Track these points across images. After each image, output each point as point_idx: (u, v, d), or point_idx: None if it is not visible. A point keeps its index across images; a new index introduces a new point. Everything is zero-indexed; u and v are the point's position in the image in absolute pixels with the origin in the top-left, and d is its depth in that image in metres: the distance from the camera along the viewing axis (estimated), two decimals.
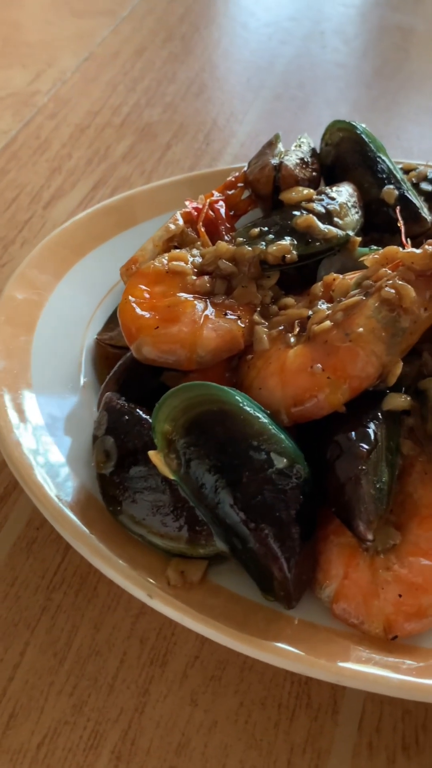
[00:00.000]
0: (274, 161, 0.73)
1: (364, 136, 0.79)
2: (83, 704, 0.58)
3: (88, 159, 1.02)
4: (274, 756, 0.56)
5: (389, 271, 0.61)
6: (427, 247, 0.61)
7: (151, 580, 0.55)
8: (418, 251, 0.61)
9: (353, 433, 0.57)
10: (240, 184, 0.77)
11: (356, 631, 0.55)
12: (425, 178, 0.81)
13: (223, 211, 0.74)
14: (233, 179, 0.77)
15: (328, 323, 0.60)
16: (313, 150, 0.81)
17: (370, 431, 0.57)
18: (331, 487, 0.56)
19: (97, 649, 0.61)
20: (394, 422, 0.59)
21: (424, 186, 0.80)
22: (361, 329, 0.58)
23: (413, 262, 0.60)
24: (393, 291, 0.59)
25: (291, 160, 0.73)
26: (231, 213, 0.76)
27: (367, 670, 0.52)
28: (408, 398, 0.60)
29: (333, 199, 0.71)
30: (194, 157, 1.04)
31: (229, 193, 0.76)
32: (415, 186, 0.80)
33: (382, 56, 1.30)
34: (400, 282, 0.59)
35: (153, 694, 0.59)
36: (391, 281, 0.59)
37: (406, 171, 0.82)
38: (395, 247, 0.62)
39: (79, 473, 0.62)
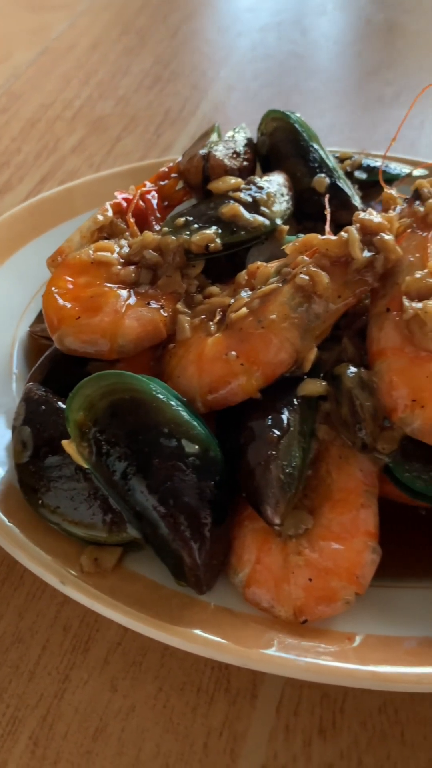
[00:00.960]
0: (203, 151, 0.73)
1: (297, 126, 0.79)
2: (3, 691, 0.58)
3: (37, 153, 1.02)
4: (191, 739, 0.57)
5: (306, 259, 0.61)
6: (342, 234, 0.61)
7: (66, 568, 0.56)
8: (333, 238, 0.61)
9: (266, 418, 0.58)
10: (174, 175, 0.77)
11: (268, 616, 0.56)
12: (360, 167, 0.81)
13: (155, 201, 0.75)
14: (166, 170, 0.77)
15: (244, 310, 0.61)
16: (249, 140, 0.81)
17: (283, 417, 0.58)
18: (243, 472, 0.57)
19: (20, 637, 0.61)
20: (309, 407, 0.59)
21: (358, 174, 0.80)
22: (273, 316, 0.59)
23: (328, 249, 0.61)
24: (307, 278, 0.59)
25: (220, 150, 0.73)
26: (165, 204, 0.77)
27: (275, 653, 0.52)
28: (324, 384, 0.60)
29: (261, 188, 0.72)
30: (144, 149, 1.04)
31: (162, 183, 0.76)
32: (350, 174, 0.81)
33: (340, 47, 1.30)
34: (314, 269, 0.60)
35: (73, 680, 0.59)
36: (305, 268, 0.60)
37: (342, 160, 0.83)
38: (314, 234, 0.63)
39: (3, 464, 0.63)
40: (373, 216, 0.62)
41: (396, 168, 0.82)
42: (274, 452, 0.56)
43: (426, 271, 0.60)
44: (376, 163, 0.84)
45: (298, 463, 0.56)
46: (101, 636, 0.61)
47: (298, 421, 0.58)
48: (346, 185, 0.76)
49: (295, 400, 0.59)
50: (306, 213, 0.77)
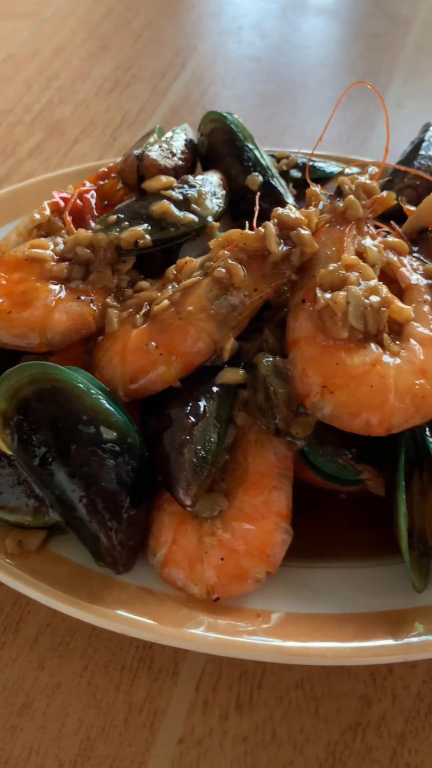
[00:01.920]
0: (137, 152, 0.75)
1: (233, 126, 0.81)
2: None
3: None
4: (112, 714, 0.59)
5: (226, 253, 0.64)
6: (260, 229, 0.64)
7: None
8: (251, 233, 0.64)
9: (183, 406, 0.60)
10: (114, 175, 0.80)
11: (183, 595, 0.58)
12: (295, 166, 0.84)
13: (93, 201, 0.77)
14: (106, 170, 0.79)
15: (165, 303, 0.63)
16: (189, 141, 0.84)
17: (200, 404, 0.60)
18: (159, 457, 0.59)
19: None
20: (228, 395, 0.62)
21: (294, 173, 0.83)
22: (191, 307, 0.61)
23: (245, 244, 0.63)
24: (224, 271, 0.62)
25: (154, 150, 0.76)
26: (105, 203, 0.79)
27: (185, 630, 0.55)
28: (243, 372, 0.62)
29: (193, 187, 0.74)
30: (101, 152, 1.07)
31: (102, 183, 0.79)
32: (285, 173, 0.83)
33: (299, 50, 1.33)
34: (231, 262, 0.62)
35: (3, 659, 0.61)
36: (223, 262, 0.62)
37: (279, 159, 0.85)
38: (236, 230, 0.65)
39: None
40: (291, 212, 0.65)
41: (329, 166, 0.84)
42: (188, 437, 0.58)
43: (339, 263, 0.63)
44: (317, 162, 0.87)
45: (213, 448, 0.59)
46: (32, 617, 0.64)
47: (215, 408, 0.61)
48: (279, 183, 0.79)
49: (214, 388, 0.62)
50: (241, 210, 0.79)
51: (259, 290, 0.63)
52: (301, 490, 0.64)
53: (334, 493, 0.67)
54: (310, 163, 0.86)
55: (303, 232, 0.64)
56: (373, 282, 0.62)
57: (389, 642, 0.54)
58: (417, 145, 0.87)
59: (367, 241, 0.67)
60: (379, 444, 0.62)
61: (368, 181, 0.70)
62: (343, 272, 0.62)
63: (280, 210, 0.65)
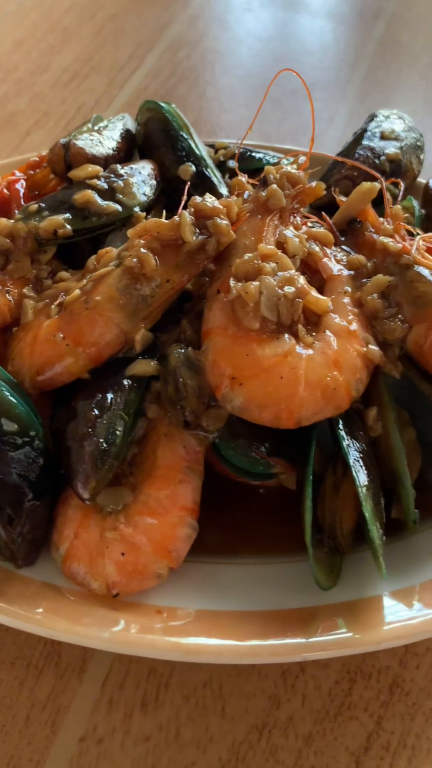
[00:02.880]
0: (64, 140, 0.74)
1: (168, 116, 0.80)
2: None
3: None
4: (14, 711, 0.58)
5: (141, 242, 0.63)
6: (175, 218, 0.63)
7: None
8: (166, 221, 0.62)
9: (89, 398, 0.59)
10: (45, 164, 0.78)
11: (83, 590, 0.57)
12: (233, 156, 0.82)
13: (22, 190, 0.76)
14: (37, 159, 0.78)
15: (77, 293, 0.62)
16: (127, 130, 0.82)
17: (107, 396, 0.59)
18: (62, 450, 0.58)
19: None
20: (139, 387, 0.60)
21: (232, 164, 0.81)
22: (98, 297, 0.60)
23: (159, 232, 0.62)
24: (136, 260, 0.61)
25: (82, 139, 0.75)
26: (36, 193, 0.78)
27: (80, 626, 0.53)
28: (155, 364, 0.61)
29: (120, 176, 0.73)
30: (52, 144, 1.05)
31: (32, 173, 0.78)
32: (222, 164, 0.82)
33: (261, 43, 1.31)
34: (143, 251, 0.61)
35: None
36: (135, 250, 0.61)
37: (218, 150, 0.84)
38: (153, 219, 0.64)
39: None
40: (209, 200, 0.64)
41: (267, 156, 0.83)
42: (90, 430, 0.57)
43: (255, 253, 0.62)
44: (256, 153, 0.85)
45: (117, 441, 0.57)
46: None
47: (123, 400, 0.59)
48: (213, 174, 0.77)
49: (124, 380, 0.61)
50: (176, 201, 0.77)
51: (172, 280, 0.61)
52: (219, 483, 0.64)
53: (252, 487, 0.66)
54: (250, 153, 0.85)
55: (220, 221, 0.63)
56: (290, 272, 0.61)
57: (288, 641, 0.53)
58: (359, 136, 0.85)
59: (289, 231, 0.66)
60: (294, 437, 0.60)
61: (294, 171, 0.68)
62: (259, 262, 0.61)
63: (197, 198, 0.64)
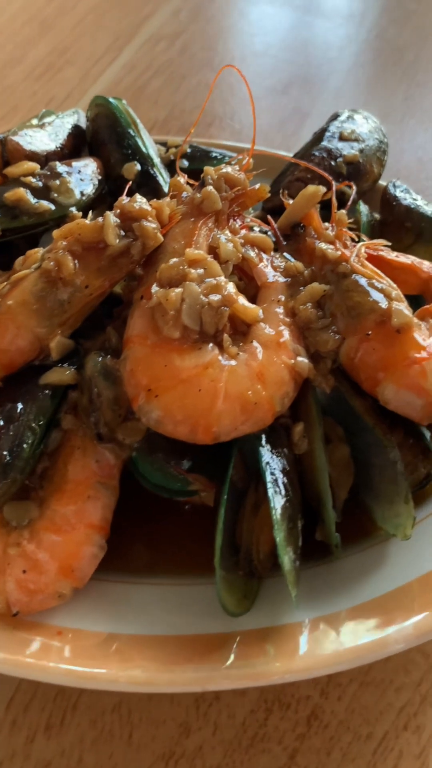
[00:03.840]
0: (1, 136, 0.72)
1: (116, 112, 0.77)
2: None
3: None
4: None
5: (64, 243, 0.60)
6: (99, 219, 0.60)
7: None
8: (89, 222, 0.59)
9: None
10: None
11: None
12: (184, 155, 0.79)
13: None
14: None
15: None
16: (76, 126, 0.79)
17: (17, 406, 0.56)
18: None
19: None
20: (54, 396, 0.58)
21: (181, 163, 0.78)
22: (11, 302, 0.57)
23: (81, 234, 0.59)
24: (53, 263, 0.58)
25: (21, 135, 0.72)
26: None
27: None
28: (71, 372, 0.58)
29: (58, 174, 0.70)
30: None
31: None
32: (172, 163, 0.79)
33: (240, 38, 1.28)
34: (62, 254, 0.58)
35: None
36: (55, 252, 0.58)
37: (170, 148, 0.81)
38: (78, 220, 0.61)
39: None
40: (138, 202, 0.61)
41: (222, 156, 0.80)
42: None
43: (182, 258, 0.59)
44: (216, 153, 0.82)
45: (24, 454, 0.54)
46: None
47: (34, 410, 0.56)
48: (159, 173, 0.74)
49: (38, 389, 0.58)
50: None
51: (92, 286, 0.59)
52: (150, 497, 0.61)
53: (179, 503, 0.63)
54: (206, 152, 0.81)
55: (146, 223, 0.60)
56: (218, 279, 0.58)
57: (188, 672, 0.50)
58: (318, 136, 0.82)
59: (224, 236, 0.63)
60: (217, 453, 0.57)
61: (233, 172, 0.65)
62: (185, 267, 0.58)
63: (124, 200, 0.61)
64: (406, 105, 1.15)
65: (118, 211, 0.60)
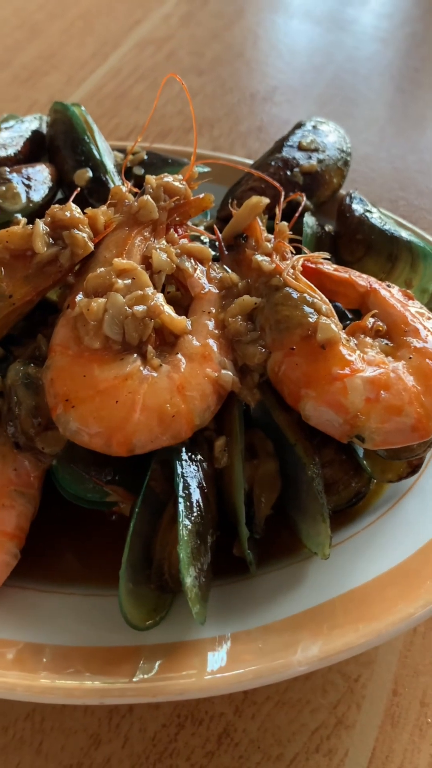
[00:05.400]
0: None
1: (73, 118, 0.77)
2: None
3: None
4: None
5: None
6: (28, 226, 0.60)
7: None
8: (17, 229, 0.60)
9: None
10: None
11: None
12: (141, 162, 0.79)
13: None
14: None
15: None
16: (35, 131, 0.80)
17: None
18: None
19: None
20: None
21: (137, 170, 0.78)
22: None
23: (8, 241, 0.59)
24: None
25: None
26: None
27: None
28: None
29: (6, 180, 0.70)
30: None
31: None
32: (129, 170, 0.79)
33: (233, 44, 1.27)
34: None
35: None
36: None
37: (131, 154, 0.81)
38: (11, 228, 0.61)
39: None
40: (70, 210, 0.61)
41: (176, 164, 0.79)
42: None
43: (109, 268, 0.58)
44: (174, 159, 0.82)
45: None
46: None
47: None
48: (111, 180, 0.74)
49: None
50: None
51: (17, 294, 0.59)
52: (76, 508, 0.61)
53: (104, 513, 0.63)
54: (163, 160, 0.81)
55: (77, 232, 0.60)
56: (147, 290, 0.58)
57: (88, 682, 0.50)
58: (278, 145, 0.81)
59: (159, 245, 0.62)
60: (138, 464, 0.57)
61: (174, 182, 0.65)
62: (111, 277, 0.58)
63: (56, 207, 0.61)
64: (392, 112, 1.14)
65: (49, 218, 0.61)
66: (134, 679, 0.50)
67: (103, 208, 0.64)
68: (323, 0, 1.35)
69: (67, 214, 0.60)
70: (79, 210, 0.61)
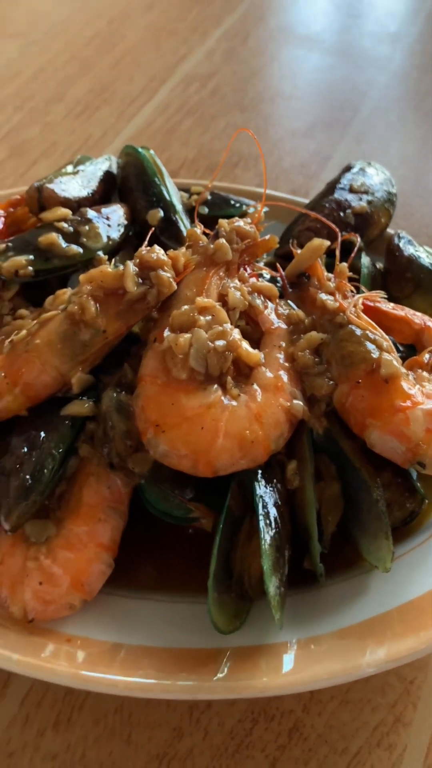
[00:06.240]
0: (37, 183, 0.79)
1: (143, 161, 0.84)
2: None
3: None
4: None
5: (88, 288, 0.66)
6: (120, 267, 0.66)
7: None
8: (111, 270, 0.66)
9: (22, 434, 0.63)
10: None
11: (3, 613, 0.61)
12: (205, 202, 0.86)
13: (1, 227, 0.81)
14: (18, 198, 0.83)
15: (24, 333, 0.66)
16: (107, 172, 0.86)
17: (40, 434, 0.63)
18: None
19: None
20: (73, 426, 0.64)
21: (201, 209, 0.85)
22: (38, 341, 0.64)
23: (103, 281, 0.66)
24: (77, 306, 0.65)
25: (56, 182, 0.79)
26: (15, 230, 0.83)
27: None
28: (89, 405, 0.65)
29: (88, 220, 0.77)
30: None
31: (12, 210, 0.82)
32: (192, 209, 0.85)
33: (272, 79, 1.34)
34: (84, 298, 0.65)
35: None
36: (79, 296, 0.65)
37: (192, 194, 0.87)
38: (100, 267, 0.68)
39: None
40: (155, 252, 0.67)
41: (236, 204, 0.86)
42: (18, 466, 0.61)
43: (193, 306, 0.65)
44: (234, 200, 0.88)
45: (45, 478, 0.61)
46: None
47: (55, 438, 0.63)
48: (180, 220, 0.81)
49: (59, 419, 0.65)
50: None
51: (112, 328, 0.65)
52: (158, 521, 0.67)
53: (183, 528, 0.69)
54: (225, 200, 0.88)
55: (162, 273, 0.66)
56: (225, 326, 0.64)
57: (181, 680, 0.56)
58: (331, 186, 0.88)
59: (233, 284, 0.69)
60: (217, 484, 0.63)
61: (246, 225, 0.71)
62: (194, 314, 0.64)
63: (143, 250, 0.67)
64: (426, 149, 1.21)
65: (138, 260, 0.67)
66: (221, 677, 0.56)
67: (182, 249, 0.71)
68: (356, 38, 1.43)
69: (154, 256, 0.67)
70: (163, 252, 0.68)
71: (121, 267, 0.67)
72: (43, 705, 0.63)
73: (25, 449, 0.62)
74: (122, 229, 0.80)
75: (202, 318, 0.64)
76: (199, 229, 0.74)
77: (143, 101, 1.26)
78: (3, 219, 0.82)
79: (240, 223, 0.72)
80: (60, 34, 1.41)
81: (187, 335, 0.63)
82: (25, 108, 1.24)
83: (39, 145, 1.17)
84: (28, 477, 0.61)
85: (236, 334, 0.65)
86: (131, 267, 0.66)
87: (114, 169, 0.89)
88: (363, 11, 1.54)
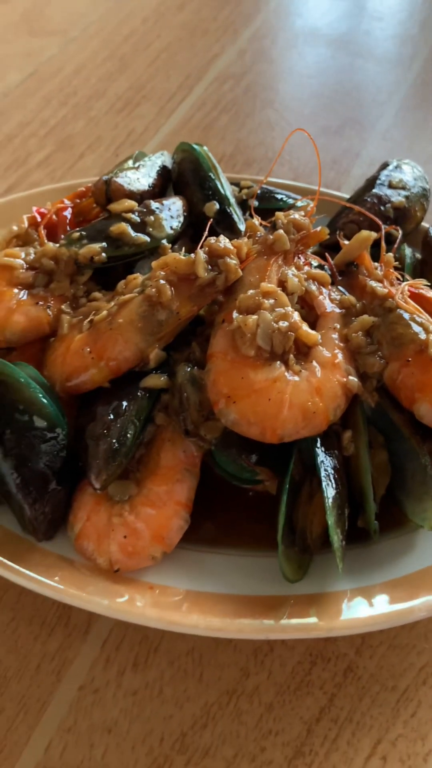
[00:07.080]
0: (106, 177, 0.85)
1: (199, 158, 0.90)
2: None
3: (7, 165, 1.17)
4: (28, 660, 0.70)
5: (162, 273, 0.73)
6: (191, 255, 0.73)
7: None
8: (184, 257, 0.73)
9: (107, 404, 0.70)
10: (90, 195, 0.89)
11: (91, 564, 0.68)
12: (254, 196, 0.92)
13: (69, 217, 0.88)
14: (83, 190, 0.90)
15: (104, 313, 0.73)
16: (163, 167, 0.93)
17: (123, 403, 0.70)
18: (82, 445, 0.69)
19: None
20: (150, 397, 0.71)
21: (251, 202, 0.91)
22: (121, 320, 0.71)
23: (177, 267, 0.72)
24: (155, 290, 0.71)
25: (122, 176, 0.86)
26: (80, 219, 0.89)
27: (84, 593, 0.64)
28: (165, 378, 0.72)
29: (152, 211, 0.84)
30: (102, 167, 1.17)
31: (78, 201, 0.89)
32: (244, 202, 0.92)
33: (298, 79, 1.40)
34: (161, 282, 0.71)
35: None
36: (155, 281, 0.72)
37: (242, 188, 0.94)
38: (173, 254, 0.74)
39: None
40: (222, 241, 0.74)
41: (286, 197, 0.92)
42: (105, 431, 0.68)
43: (258, 290, 0.72)
44: (280, 194, 0.95)
45: (128, 442, 0.68)
46: None
47: (135, 407, 0.70)
48: (234, 212, 0.87)
49: (138, 391, 0.71)
50: (201, 234, 0.88)
51: (184, 310, 0.72)
52: (217, 483, 0.74)
53: (243, 489, 0.76)
54: (271, 193, 0.94)
55: (229, 260, 0.73)
56: (286, 309, 0.71)
57: (254, 621, 0.63)
58: (371, 182, 0.95)
59: (291, 271, 0.76)
60: (279, 450, 0.70)
61: (300, 218, 0.78)
62: (259, 298, 0.71)
63: (212, 239, 0.74)
64: None
65: (207, 249, 0.74)
66: (291, 620, 0.64)
67: (244, 239, 0.77)
68: (383, 40, 1.49)
69: (221, 245, 0.74)
70: (228, 241, 0.75)
71: (191, 255, 0.74)
72: (121, 648, 0.70)
73: (111, 417, 0.68)
74: (182, 220, 0.86)
75: (266, 301, 0.71)
76: (257, 221, 0.81)
77: (180, 98, 1.32)
78: (71, 209, 0.89)
79: (296, 215, 0.79)
80: (97, 32, 1.47)
81: (254, 316, 0.70)
82: (69, 103, 1.30)
83: (84, 140, 1.23)
84: (114, 441, 0.68)
85: (296, 316, 0.72)
86: (201, 254, 0.73)
87: (168, 164, 0.95)
88: (385, 14, 1.61)
